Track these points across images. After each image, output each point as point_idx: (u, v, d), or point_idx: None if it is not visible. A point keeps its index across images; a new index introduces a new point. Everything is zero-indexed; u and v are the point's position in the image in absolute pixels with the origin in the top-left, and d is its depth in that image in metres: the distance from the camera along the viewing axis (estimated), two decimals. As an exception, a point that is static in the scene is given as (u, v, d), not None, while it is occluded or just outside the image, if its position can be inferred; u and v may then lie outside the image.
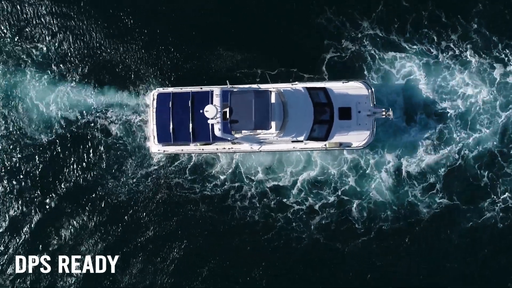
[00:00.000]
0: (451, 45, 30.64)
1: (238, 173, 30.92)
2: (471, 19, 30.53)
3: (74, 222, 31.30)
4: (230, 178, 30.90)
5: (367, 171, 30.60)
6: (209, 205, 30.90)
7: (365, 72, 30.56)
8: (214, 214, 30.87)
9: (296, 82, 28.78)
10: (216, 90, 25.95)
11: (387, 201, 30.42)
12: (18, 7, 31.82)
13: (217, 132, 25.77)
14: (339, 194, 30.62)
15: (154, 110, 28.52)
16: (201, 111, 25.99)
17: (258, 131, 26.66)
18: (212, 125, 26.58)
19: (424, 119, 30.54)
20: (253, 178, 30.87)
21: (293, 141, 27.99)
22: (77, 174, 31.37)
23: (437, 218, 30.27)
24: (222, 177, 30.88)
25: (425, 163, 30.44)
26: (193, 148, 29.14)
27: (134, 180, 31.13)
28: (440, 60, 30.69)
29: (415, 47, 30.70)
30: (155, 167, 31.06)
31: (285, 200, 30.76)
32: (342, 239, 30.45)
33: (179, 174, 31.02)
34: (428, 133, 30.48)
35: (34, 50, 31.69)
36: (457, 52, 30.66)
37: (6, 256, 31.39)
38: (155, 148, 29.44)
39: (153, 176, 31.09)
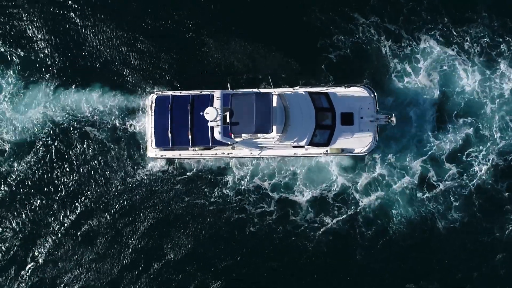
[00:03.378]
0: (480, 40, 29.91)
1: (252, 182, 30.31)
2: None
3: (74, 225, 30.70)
4: (236, 190, 30.18)
5: (388, 179, 29.80)
6: (213, 212, 30.29)
7: (389, 73, 30.00)
8: (217, 220, 30.23)
9: (298, 87, 28.28)
10: (217, 92, 25.38)
11: (405, 210, 29.55)
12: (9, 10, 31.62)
13: (217, 136, 25.14)
14: (353, 204, 29.88)
15: (153, 113, 27.84)
16: (201, 113, 25.34)
17: (259, 134, 26.04)
18: (212, 129, 25.95)
19: (452, 123, 29.65)
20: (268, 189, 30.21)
21: (294, 147, 27.38)
22: (72, 178, 30.71)
23: (455, 231, 29.40)
24: (228, 192, 30.14)
25: (451, 172, 29.51)
26: (191, 153, 28.45)
27: (135, 184, 30.54)
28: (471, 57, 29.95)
29: (439, 44, 30.03)
30: (151, 174, 30.44)
31: (297, 212, 30.07)
32: (351, 250, 29.73)
33: (184, 181, 30.41)
34: (456, 139, 29.59)
35: (21, 53, 31.21)
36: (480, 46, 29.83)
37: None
38: (153, 152, 28.73)
39: (153, 183, 30.49)
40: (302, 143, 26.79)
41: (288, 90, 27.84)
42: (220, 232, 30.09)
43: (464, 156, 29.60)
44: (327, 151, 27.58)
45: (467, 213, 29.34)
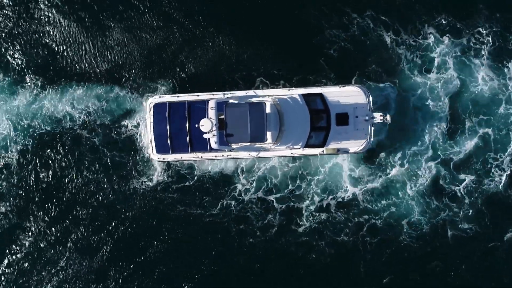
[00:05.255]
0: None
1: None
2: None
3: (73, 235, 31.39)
4: (241, 201, 30.47)
5: (398, 185, 29.76)
6: (215, 222, 30.63)
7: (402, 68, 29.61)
8: (219, 230, 30.65)
9: (293, 88, 28.55)
10: (211, 102, 25.85)
11: (415, 219, 29.49)
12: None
13: (214, 145, 25.83)
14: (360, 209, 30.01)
15: (151, 121, 28.46)
16: (196, 125, 25.96)
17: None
18: (209, 139, 26.64)
19: (466, 124, 29.17)
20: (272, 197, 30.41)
21: (290, 148, 27.97)
22: (63, 185, 31.16)
23: (464, 239, 29.25)
24: (232, 202, 30.52)
25: (464, 178, 29.23)
26: (192, 155, 29.11)
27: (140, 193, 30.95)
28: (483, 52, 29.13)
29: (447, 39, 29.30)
30: (156, 183, 30.87)
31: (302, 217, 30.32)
32: (356, 258, 29.96)
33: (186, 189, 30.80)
34: (470, 141, 29.16)
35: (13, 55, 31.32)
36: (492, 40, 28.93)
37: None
38: (154, 156, 29.50)
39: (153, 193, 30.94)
40: (298, 146, 27.33)
41: (283, 92, 28.15)
42: (221, 242, 30.54)
43: (478, 161, 29.24)
44: (323, 151, 28.10)
45: (478, 221, 29.13)
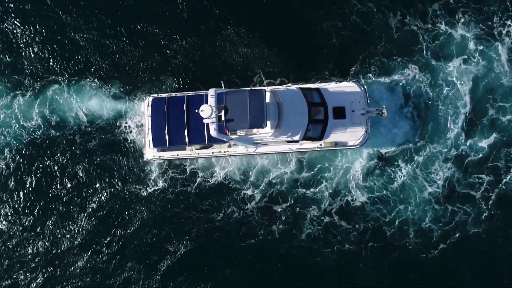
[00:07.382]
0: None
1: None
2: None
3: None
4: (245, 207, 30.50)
5: (411, 187, 29.79)
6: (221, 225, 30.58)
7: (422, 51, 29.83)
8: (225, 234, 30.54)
9: (290, 83, 28.96)
10: (211, 90, 26.03)
11: (424, 224, 29.47)
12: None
13: (213, 132, 25.77)
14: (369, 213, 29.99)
15: (149, 114, 28.48)
16: (196, 110, 26.01)
17: (254, 130, 26.69)
18: (208, 126, 26.62)
19: (484, 120, 29.31)
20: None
21: (288, 142, 28.00)
22: (60, 187, 30.98)
23: (472, 242, 29.16)
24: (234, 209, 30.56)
25: (477, 180, 29.23)
26: (188, 152, 29.05)
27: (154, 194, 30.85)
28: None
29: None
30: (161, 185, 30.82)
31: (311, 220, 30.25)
32: (363, 260, 29.81)
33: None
34: (487, 140, 29.21)
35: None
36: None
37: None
38: (150, 154, 29.32)
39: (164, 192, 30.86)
40: (296, 137, 27.39)
41: (280, 87, 28.54)
42: (225, 245, 30.42)
43: (497, 159, 29.29)
44: (321, 145, 28.19)
45: (486, 223, 29.06)
